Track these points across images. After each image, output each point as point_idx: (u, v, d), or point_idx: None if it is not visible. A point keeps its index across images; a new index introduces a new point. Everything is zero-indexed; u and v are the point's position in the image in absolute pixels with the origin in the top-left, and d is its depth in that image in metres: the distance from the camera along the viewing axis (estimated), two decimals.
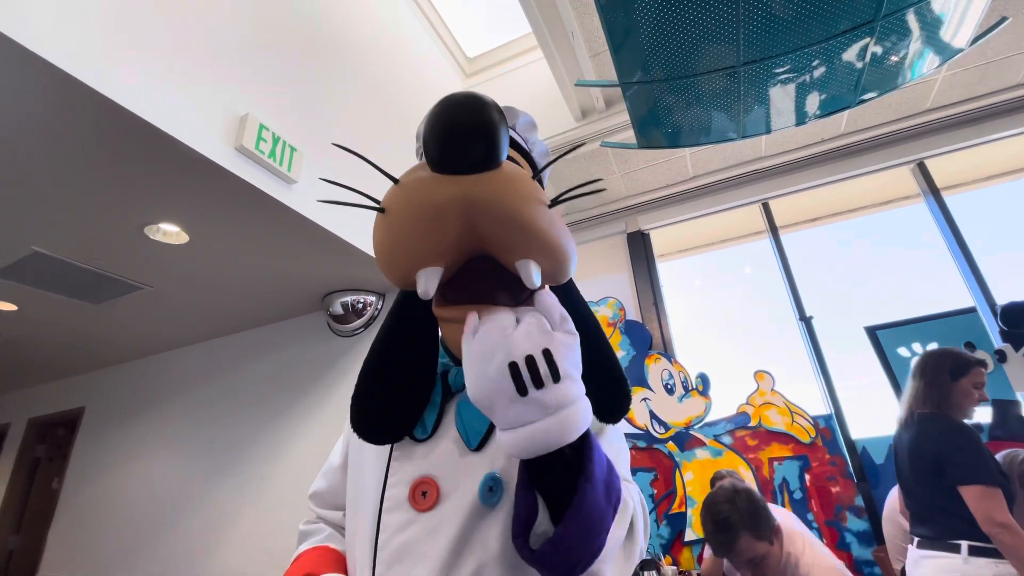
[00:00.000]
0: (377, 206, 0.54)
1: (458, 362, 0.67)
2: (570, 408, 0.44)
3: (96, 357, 4.01)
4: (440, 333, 0.64)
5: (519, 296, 0.60)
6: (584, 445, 0.48)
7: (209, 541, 2.92)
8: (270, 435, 2.98)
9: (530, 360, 0.43)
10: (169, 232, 2.15)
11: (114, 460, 3.72)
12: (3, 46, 1.23)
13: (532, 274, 0.51)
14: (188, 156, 1.65)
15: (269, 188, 1.88)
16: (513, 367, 0.43)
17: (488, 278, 0.56)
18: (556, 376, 0.44)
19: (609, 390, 0.62)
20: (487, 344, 0.45)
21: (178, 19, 1.68)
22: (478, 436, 0.59)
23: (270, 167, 1.87)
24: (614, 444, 0.65)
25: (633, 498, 0.57)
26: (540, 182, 0.65)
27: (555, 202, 0.55)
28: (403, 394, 0.61)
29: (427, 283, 0.50)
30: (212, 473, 3.12)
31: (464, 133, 0.47)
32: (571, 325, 0.48)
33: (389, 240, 0.52)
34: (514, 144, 0.69)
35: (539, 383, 0.43)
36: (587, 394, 0.62)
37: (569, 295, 0.66)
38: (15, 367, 4.12)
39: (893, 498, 2.06)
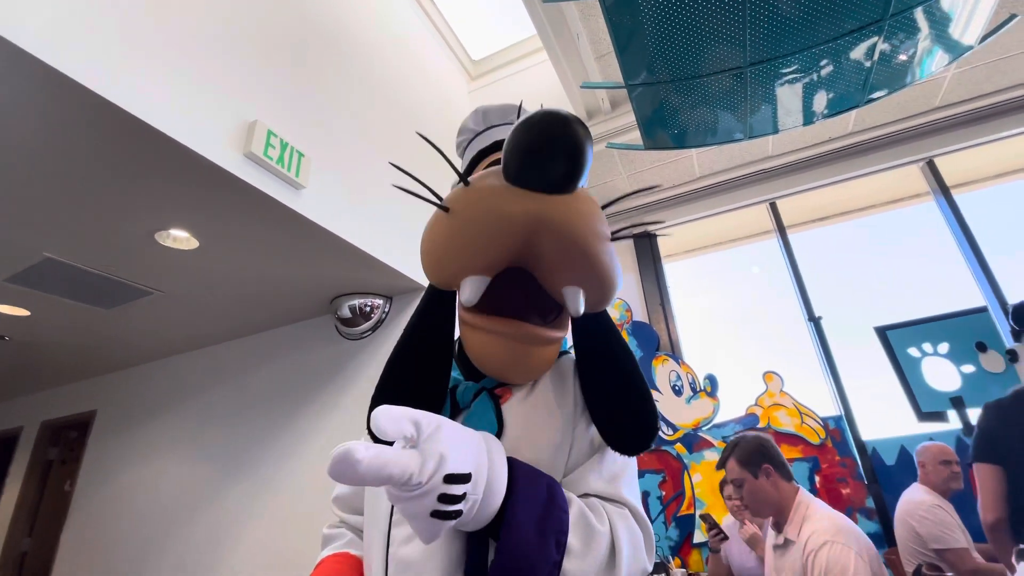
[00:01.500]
0: (440, 203, 0.54)
1: (470, 373, 0.67)
2: (484, 502, 0.46)
3: (107, 361, 4.05)
4: (460, 338, 0.64)
5: (547, 316, 0.60)
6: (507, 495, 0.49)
7: (220, 544, 2.94)
8: (280, 437, 3.00)
9: (443, 497, 0.43)
10: (179, 238, 2.17)
11: (126, 463, 3.75)
12: (15, 57, 1.25)
13: (579, 302, 0.51)
14: (198, 163, 1.67)
15: (278, 194, 1.89)
16: (436, 514, 0.43)
17: (521, 293, 0.57)
18: (464, 487, 0.44)
19: (629, 423, 0.60)
20: (409, 510, 0.44)
21: (185, 27, 1.69)
22: None
23: (279, 173, 1.88)
24: (616, 462, 0.62)
25: (615, 524, 0.55)
26: None
27: (615, 237, 0.55)
28: (418, 398, 0.61)
29: (473, 291, 0.51)
30: (223, 476, 3.14)
31: (550, 152, 0.46)
32: (426, 426, 0.45)
33: (448, 239, 0.52)
34: None
35: (459, 510, 0.44)
36: (604, 422, 0.60)
37: (602, 322, 0.65)
38: (28, 371, 4.17)
39: (906, 500, 2.03)
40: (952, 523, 1.89)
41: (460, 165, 0.81)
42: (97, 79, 1.38)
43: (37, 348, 3.57)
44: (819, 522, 1.39)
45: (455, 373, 0.68)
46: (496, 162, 0.66)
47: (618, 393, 0.61)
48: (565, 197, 0.50)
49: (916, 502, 1.98)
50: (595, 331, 0.63)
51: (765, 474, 1.51)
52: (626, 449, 0.60)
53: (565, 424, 0.62)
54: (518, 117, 0.71)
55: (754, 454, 1.53)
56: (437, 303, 0.61)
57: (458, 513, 0.44)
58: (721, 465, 1.65)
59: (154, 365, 4.03)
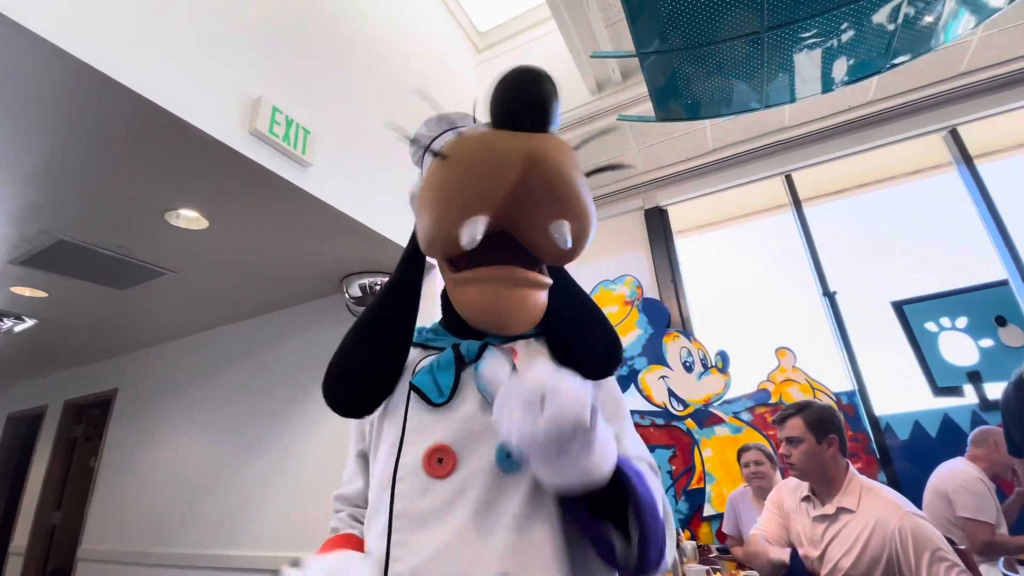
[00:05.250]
0: (436, 151, 0.57)
1: (459, 331, 0.69)
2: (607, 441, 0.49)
3: (126, 341, 4.13)
4: (451, 303, 0.67)
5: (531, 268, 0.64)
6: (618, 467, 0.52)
7: (240, 514, 3.03)
8: (295, 414, 3.05)
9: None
10: (189, 218, 2.17)
11: (147, 439, 3.85)
12: (23, 38, 1.24)
13: (566, 234, 0.56)
14: (203, 141, 1.65)
15: (284, 172, 1.87)
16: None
17: (504, 248, 0.61)
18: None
19: (602, 346, 0.68)
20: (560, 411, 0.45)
21: (187, 4, 1.66)
22: None
23: (284, 151, 1.86)
24: (613, 394, 0.69)
25: (657, 485, 0.61)
26: None
27: (588, 173, 0.60)
28: (374, 373, 0.65)
29: (473, 232, 0.54)
30: (242, 451, 3.21)
31: (528, 96, 0.54)
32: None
33: (449, 182, 0.55)
34: None
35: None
36: (578, 354, 0.67)
37: (566, 277, 0.72)
38: (50, 351, 4.26)
39: (947, 470, 1.99)
40: (990, 499, 1.86)
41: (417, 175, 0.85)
42: (101, 58, 1.36)
43: (57, 329, 3.64)
44: (885, 496, 1.40)
45: (428, 334, 0.72)
46: None
47: (584, 323, 0.69)
48: (544, 135, 0.55)
49: (958, 472, 1.95)
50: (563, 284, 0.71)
51: (829, 443, 1.52)
52: (596, 373, 0.66)
53: None
54: (474, 120, 0.75)
55: (824, 421, 1.54)
56: (404, 285, 0.68)
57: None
58: (780, 420, 1.66)
59: (172, 345, 4.10)
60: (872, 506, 1.38)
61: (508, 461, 0.55)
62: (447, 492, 0.55)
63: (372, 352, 0.65)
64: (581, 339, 0.68)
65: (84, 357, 4.54)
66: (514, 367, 0.61)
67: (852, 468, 1.52)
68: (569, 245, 0.57)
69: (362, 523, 0.69)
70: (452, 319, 0.70)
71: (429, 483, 0.55)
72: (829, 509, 1.46)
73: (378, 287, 2.88)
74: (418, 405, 0.61)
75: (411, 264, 0.71)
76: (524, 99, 0.54)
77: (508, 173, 0.53)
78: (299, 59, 2.11)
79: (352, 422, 0.73)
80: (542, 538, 0.53)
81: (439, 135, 0.78)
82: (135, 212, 2.12)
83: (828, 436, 1.52)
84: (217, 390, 3.56)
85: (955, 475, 1.95)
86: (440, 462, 0.56)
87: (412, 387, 0.61)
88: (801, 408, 1.61)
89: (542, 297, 0.64)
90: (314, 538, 2.64)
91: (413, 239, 0.73)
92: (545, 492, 0.54)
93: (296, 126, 1.92)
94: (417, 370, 0.64)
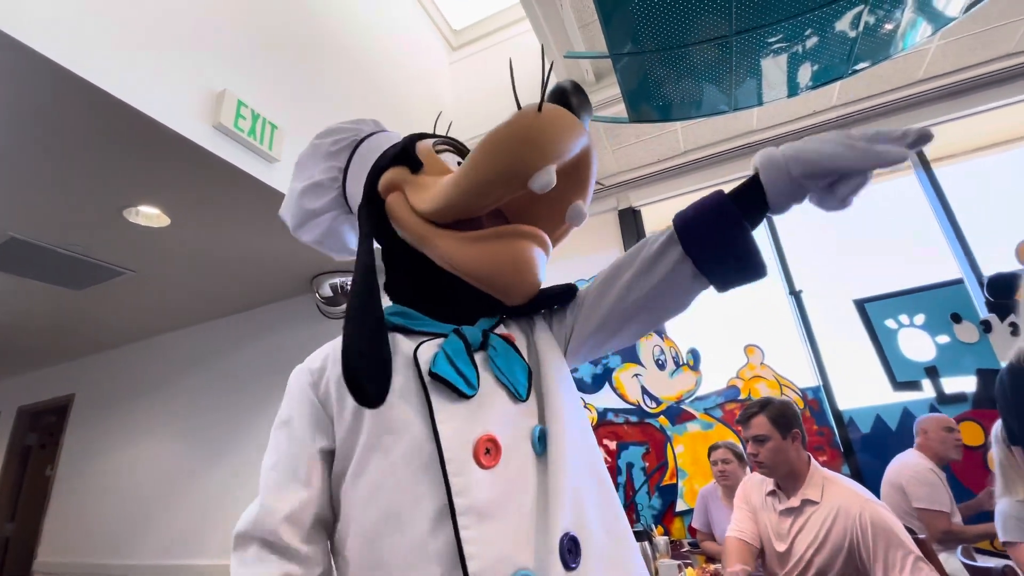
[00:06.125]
0: (541, 102, 0.61)
1: (434, 312, 0.68)
2: None
3: (84, 344, 3.96)
4: (455, 263, 0.65)
5: None
6: None
7: (203, 523, 2.94)
8: (262, 418, 2.97)
9: None
10: (149, 215, 2.10)
11: (106, 445, 3.70)
12: None
13: (584, 214, 0.66)
14: (164, 135, 1.59)
15: (250, 167, 1.82)
16: None
17: (523, 218, 0.68)
18: None
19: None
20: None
21: None
22: (524, 387, 0.62)
23: (250, 145, 1.81)
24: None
25: None
26: None
27: None
28: (385, 347, 0.61)
29: (550, 176, 0.58)
30: (205, 456, 3.12)
31: (586, 98, 0.64)
32: None
33: (540, 128, 0.59)
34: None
35: None
36: (549, 292, 0.74)
37: None
38: (2, 355, 4.05)
39: (901, 462, 2.06)
40: (941, 488, 1.94)
41: (314, 165, 0.87)
42: (56, 48, 1.30)
43: (9, 331, 3.47)
44: (846, 486, 1.44)
45: (401, 318, 0.68)
46: (448, 148, 0.78)
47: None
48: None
49: (910, 464, 2.03)
50: None
51: (792, 438, 1.55)
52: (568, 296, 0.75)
53: (558, 345, 0.71)
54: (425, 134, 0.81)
55: (787, 416, 1.57)
56: (372, 265, 0.67)
57: None
58: (744, 420, 1.66)
59: (133, 347, 3.95)
60: (835, 496, 1.42)
61: (539, 444, 0.59)
62: (503, 482, 0.55)
63: (378, 337, 0.62)
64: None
65: (39, 361, 4.34)
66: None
67: (814, 460, 1.56)
68: (580, 224, 0.67)
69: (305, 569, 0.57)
70: (424, 300, 0.68)
71: (482, 475, 0.55)
72: (795, 502, 1.49)
73: (349, 287, 2.83)
74: (443, 395, 0.58)
75: (369, 243, 0.72)
76: (584, 97, 0.63)
77: (581, 140, 0.61)
78: (268, 53, 2.05)
79: (295, 414, 0.66)
80: (589, 500, 0.57)
81: (372, 134, 0.84)
82: (92, 209, 2.03)
83: (792, 431, 1.55)
84: (180, 395, 3.44)
85: (907, 467, 2.02)
86: (488, 453, 0.56)
87: (435, 376, 0.58)
88: (763, 406, 1.62)
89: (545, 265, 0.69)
90: None
91: (377, 217, 0.73)
92: (576, 463, 0.58)
93: (263, 120, 1.87)
94: (425, 358, 0.60)
